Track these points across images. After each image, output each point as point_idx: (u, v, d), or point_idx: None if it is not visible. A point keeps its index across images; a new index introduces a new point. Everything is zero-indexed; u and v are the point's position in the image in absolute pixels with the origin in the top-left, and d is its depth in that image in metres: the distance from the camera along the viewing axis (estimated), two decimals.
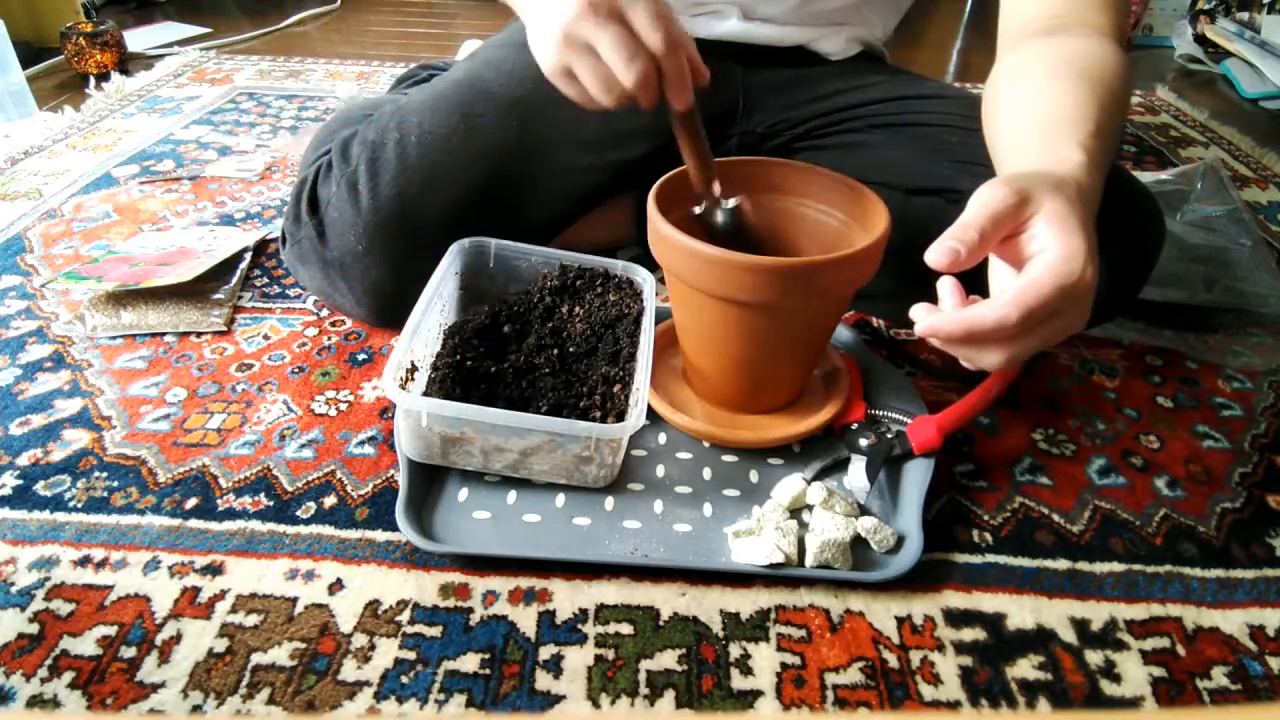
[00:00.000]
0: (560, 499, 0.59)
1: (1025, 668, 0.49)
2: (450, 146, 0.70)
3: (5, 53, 1.15)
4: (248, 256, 0.86)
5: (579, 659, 0.49)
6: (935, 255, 0.43)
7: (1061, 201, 0.44)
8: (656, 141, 0.78)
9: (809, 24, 0.80)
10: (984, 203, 0.44)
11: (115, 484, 0.59)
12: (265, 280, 0.84)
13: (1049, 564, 0.56)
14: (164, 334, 0.75)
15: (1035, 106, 0.54)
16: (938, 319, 0.45)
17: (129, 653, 0.48)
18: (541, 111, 0.74)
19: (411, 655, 0.48)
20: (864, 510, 0.58)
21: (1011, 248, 0.45)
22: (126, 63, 1.44)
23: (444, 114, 0.72)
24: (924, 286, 0.75)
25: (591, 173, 0.76)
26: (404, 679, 0.47)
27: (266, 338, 0.76)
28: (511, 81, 0.74)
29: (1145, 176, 1.02)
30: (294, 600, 0.51)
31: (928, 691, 0.48)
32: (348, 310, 0.75)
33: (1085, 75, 0.54)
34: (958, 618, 0.52)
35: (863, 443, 0.62)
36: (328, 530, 0.56)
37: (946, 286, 0.47)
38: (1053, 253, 0.42)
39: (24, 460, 0.61)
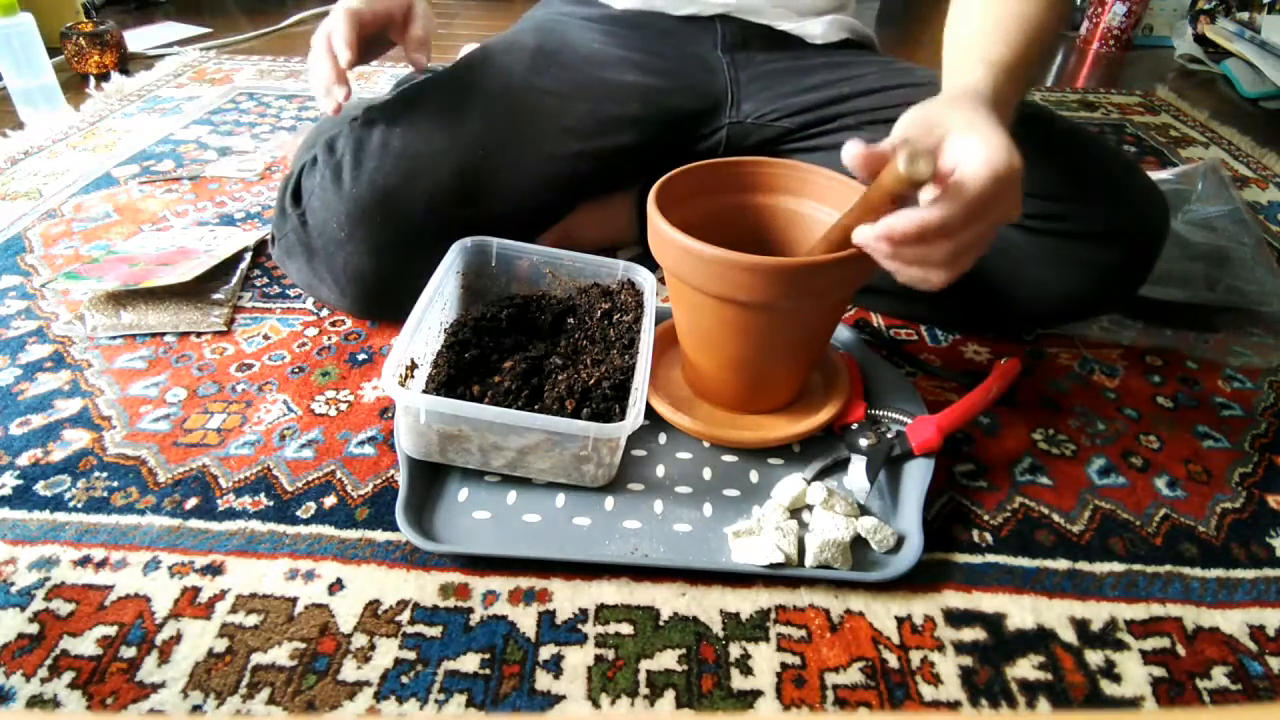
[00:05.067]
0: (560, 499, 0.59)
1: (1025, 668, 0.49)
2: (435, 136, 0.71)
3: (38, 52, 1.21)
4: (248, 256, 0.86)
5: (579, 659, 0.49)
6: (846, 152, 0.48)
7: (966, 113, 0.48)
8: (643, 132, 0.79)
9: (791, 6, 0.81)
10: (897, 128, 0.50)
11: (115, 484, 0.59)
12: (265, 280, 0.84)
13: (1049, 564, 0.56)
14: (164, 334, 0.75)
15: (956, 27, 0.60)
16: (890, 220, 0.47)
17: (129, 653, 0.48)
18: (527, 102, 0.75)
19: (411, 655, 0.48)
20: (864, 510, 0.58)
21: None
22: (126, 63, 1.43)
23: (430, 107, 0.72)
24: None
25: (578, 160, 0.77)
26: (404, 679, 0.47)
27: (266, 338, 0.76)
28: (497, 76, 0.75)
29: None
30: (294, 600, 0.51)
31: (928, 691, 0.48)
32: (333, 301, 0.75)
33: None
34: (958, 618, 0.52)
35: (863, 443, 0.62)
36: (328, 530, 0.56)
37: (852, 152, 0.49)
38: (977, 151, 0.46)
39: (24, 460, 0.61)
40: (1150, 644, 0.51)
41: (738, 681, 0.48)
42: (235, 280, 0.82)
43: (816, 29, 0.82)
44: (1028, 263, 0.69)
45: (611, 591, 0.53)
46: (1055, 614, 0.53)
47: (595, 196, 0.83)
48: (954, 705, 0.47)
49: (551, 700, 0.46)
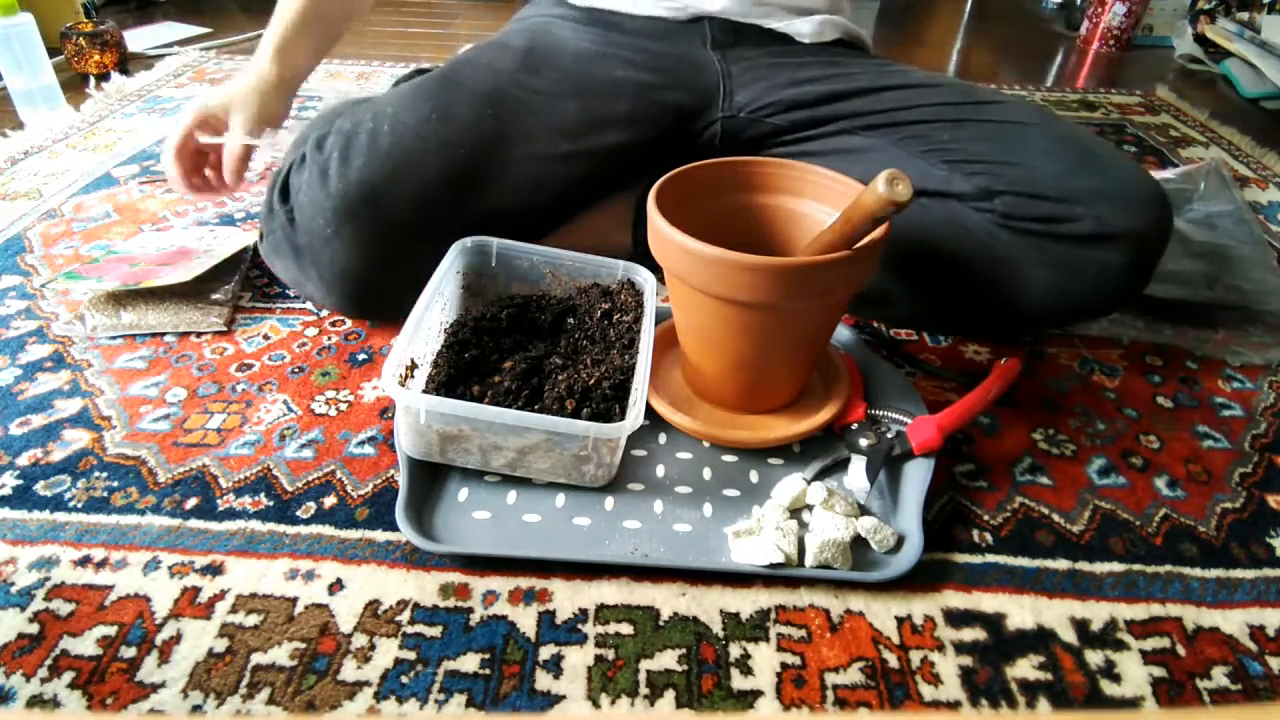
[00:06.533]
0: (560, 499, 0.59)
1: (1025, 668, 0.49)
2: (422, 134, 0.70)
3: (38, 52, 1.21)
4: (248, 256, 0.86)
5: (579, 659, 0.49)
6: None
7: None
8: (635, 130, 0.78)
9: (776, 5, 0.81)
10: None
11: (115, 484, 0.59)
12: (265, 280, 0.84)
13: (1049, 564, 0.56)
14: (164, 334, 0.75)
15: None
16: None
17: (129, 653, 0.48)
18: (516, 101, 0.74)
19: (411, 655, 0.48)
20: (864, 510, 0.58)
21: None
22: (126, 63, 1.43)
23: (418, 105, 0.72)
24: (928, 289, 0.75)
25: (570, 161, 0.76)
26: (404, 679, 0.47)
27: (266, 338, 0.76)
28: (487, 75, 0.75)
29: None
30: (294, 600, 0.51)
31: (928, 691, 0.48)
32: (320, 298, 0.75)
33: None
34: (958, 618, 0.52)
35: (863, 443, 0.62)
36: (328, 530, 0.56)
37: None
38: None
39: (24, 460, 0.61)
40: (1150, 644, 0.51)
41: (738, 681, 0.48)
42: (235, 280, 0.82)
43: (806, 28, 0.82)
44: (1029, 267, 0.68)
45: (611, 591, 0.53)
46: (1055, 614, 0.53)
47: (589, 204, 0.82)
48: (954, 705, 0.47)
49: (551, 700, 0.46)
